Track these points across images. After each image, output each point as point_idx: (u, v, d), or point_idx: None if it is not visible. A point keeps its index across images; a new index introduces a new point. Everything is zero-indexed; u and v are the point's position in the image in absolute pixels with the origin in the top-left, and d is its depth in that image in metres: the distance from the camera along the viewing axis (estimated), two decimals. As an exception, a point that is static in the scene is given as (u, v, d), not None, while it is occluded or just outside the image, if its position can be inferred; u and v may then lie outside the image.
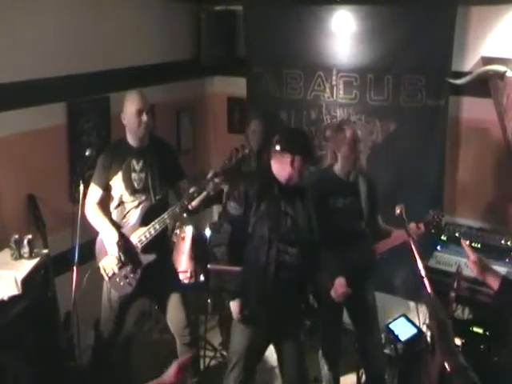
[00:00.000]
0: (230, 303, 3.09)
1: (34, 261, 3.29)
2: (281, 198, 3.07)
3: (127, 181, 3.39)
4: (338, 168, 3.48)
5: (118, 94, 4.07)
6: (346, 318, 3.71)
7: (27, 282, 3.11)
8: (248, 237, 3.05)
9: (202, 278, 4.15)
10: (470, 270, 3.63)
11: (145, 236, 3.35)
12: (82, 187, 3.41)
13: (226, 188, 4.37)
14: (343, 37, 4.41)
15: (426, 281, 2.96)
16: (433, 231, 3.45)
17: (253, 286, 3.05)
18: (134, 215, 3.40)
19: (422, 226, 3.35)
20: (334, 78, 4.53)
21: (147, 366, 4.00)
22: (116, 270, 3.37)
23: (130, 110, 3.35)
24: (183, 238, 4.27)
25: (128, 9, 4.33)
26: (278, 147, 3.07)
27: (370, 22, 4.29)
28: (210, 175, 3.29)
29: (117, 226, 3.41)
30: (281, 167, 3.06)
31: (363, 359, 3.66)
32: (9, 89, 3.45)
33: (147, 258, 3.38)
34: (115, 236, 3.34)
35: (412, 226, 3.28)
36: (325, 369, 3.72)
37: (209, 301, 4.37)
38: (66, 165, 3.96)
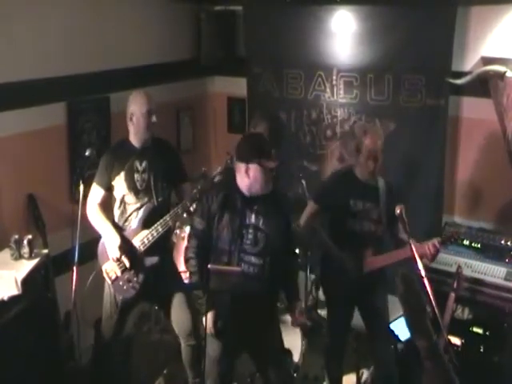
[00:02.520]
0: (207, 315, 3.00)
1: (34, 261, 3.29)
2: (246, 210, 2.95)
3: (130, 181, 3.37)
4: (358, 171, 3.41)
5: (118, 94, 4.08)
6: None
7: (27, 282, 3.11)
8: (212, 249, 3.01)
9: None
10: (469, 270, 3.69)
11: (147, 239, 3.33)
12: (82, 187, 3.41)
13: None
14: (343, 37, 4.42)
15: (425, 281, 2.96)
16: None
17: (220, 297, 2.98)
18: (136, 217, 3.38)
19: (437, 244, 3.19)
20: (334, 77, 4.54)
21: (147, 366, 4.01)
22: (119, 274, 3.36)
23: (139, 110, 3.32)
24: (183, 238, 4.27)
25: (128, 9, 4.33)
26: (234, 157, 2.97)
27: (370, 22, 4.29)
28: (212, 176, 3.29)
29: (119, 229, 3.38)
30: (240, 177, 2.94)
31: (373, 360, 3.67)
32: (9, 89, 3.46)
33: (150, 261, 3.36)
34: (117, 240, 3.30)
35: (430, 245, 3.17)
36: (327, 368, 3.72)
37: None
38: (66, 165, 3.96)
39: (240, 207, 2.96)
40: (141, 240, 3.34)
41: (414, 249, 3.02)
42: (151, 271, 3.37)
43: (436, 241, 3.19)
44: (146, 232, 3.34)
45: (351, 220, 3.40)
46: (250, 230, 2.95)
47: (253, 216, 2.96)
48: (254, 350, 3.17)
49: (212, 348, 3.05)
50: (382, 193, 3.40)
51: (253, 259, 2.95)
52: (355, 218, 3.40)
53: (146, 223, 3.35)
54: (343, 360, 3.70)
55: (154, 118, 3.33)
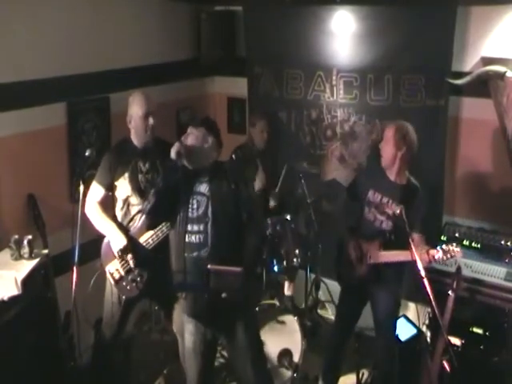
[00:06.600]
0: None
1: (34, 261, 3.29)
2: (195, 180, 3.01)
3: (134, 182, 3.38)
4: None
5: (118, 94, 4.09)
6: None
7: (27, 282, 3.11)
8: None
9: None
10: (469, 270, 3.69)
11: (152, 239, 3.33)
12: (82, 187, 3.40)
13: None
14: (343, 37, 4.41)
15: (425, 281, 2.97)
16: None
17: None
18: (141, 218, 3.37)
19: (436, 257, 3.16)
20: (334, 77, 4.53)
21: (147, 366, 4.01)
22: (123, 274, 3.36)
23: (136, 113, 3.34)
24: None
25: (128, 9, 4.33)
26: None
27: (370, 22, 4.29)
28: None
29: (124, 229, 3.39)
30: None
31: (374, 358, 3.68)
32: (9, 89, 3.45)
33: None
34: (123, 239, 3.31)
35: (430, 256, 3.17)
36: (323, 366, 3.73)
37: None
38: (66, 165, 3.96)
39: (189, 178, 3.00)
40: (145, 240, 3.35)
41: (413, 249, 3.03)
42: (153, 271, 3.36)
43: (435, 253, 3.16)
44: (151, 233, 3.33)
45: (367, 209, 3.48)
46: (195, 196, 2.99)
47: (199, 185, 3.00)
48: (224, 338, 3.08)
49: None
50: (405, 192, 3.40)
51: (195, 227, 2.95)
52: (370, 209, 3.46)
53: (151, 224, 3.35)
54: (340, 361, 3.70)
55: (151, 121, 3.35)
